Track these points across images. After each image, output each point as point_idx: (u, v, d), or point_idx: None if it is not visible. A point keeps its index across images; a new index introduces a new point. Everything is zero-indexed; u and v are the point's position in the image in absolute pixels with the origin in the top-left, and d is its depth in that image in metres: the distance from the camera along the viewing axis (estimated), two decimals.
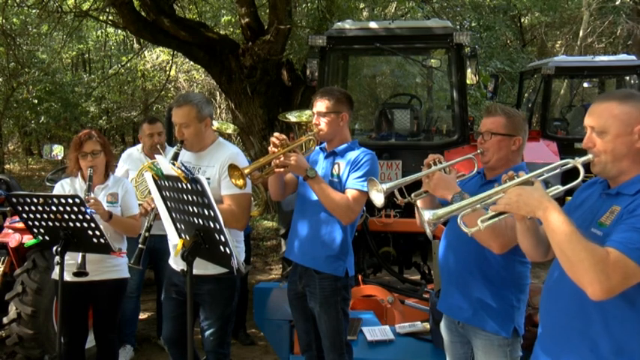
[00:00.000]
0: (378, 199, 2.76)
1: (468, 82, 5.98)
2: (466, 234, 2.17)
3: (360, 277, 5.17)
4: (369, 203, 3.05)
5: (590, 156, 2.10)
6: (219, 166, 3.43)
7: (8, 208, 5.11)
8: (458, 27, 10.47)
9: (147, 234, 3.40)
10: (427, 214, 2.26)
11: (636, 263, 1.84)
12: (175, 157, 3.44)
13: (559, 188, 2.15)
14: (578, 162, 2.12)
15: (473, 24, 13.81)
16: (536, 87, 9.30)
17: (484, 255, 2.69)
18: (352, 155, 3.36)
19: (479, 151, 2.83)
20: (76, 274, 3.59)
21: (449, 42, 5.94)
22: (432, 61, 7.01)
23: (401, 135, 6.33)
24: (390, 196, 2.80)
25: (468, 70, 5.90)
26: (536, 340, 2.26)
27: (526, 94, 10.80)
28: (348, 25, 6.34)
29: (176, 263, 3.45)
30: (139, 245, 3.35)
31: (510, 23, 16.90)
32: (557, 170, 2.20)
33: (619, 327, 1.99)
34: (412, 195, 2.82)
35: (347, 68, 7.40)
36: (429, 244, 5.61)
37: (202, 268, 3.14)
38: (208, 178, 3.33)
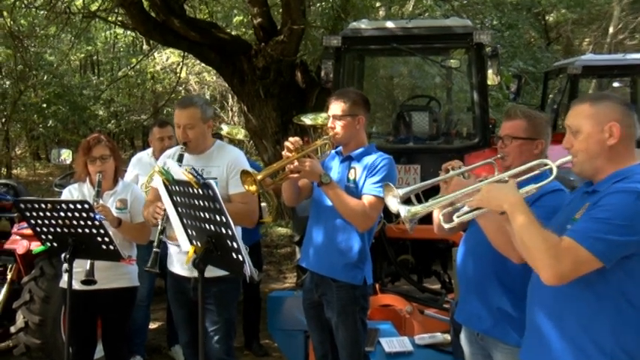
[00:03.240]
0: (394, 206, 2.77)
1: (489, 83, 5.97)
2: (486, 240, 2.23)
3: (377, 285, 5.17)
4: (387, 209, 3.06)
5: (569, 157, 2.27)
6: (225, 165, 3.53)
7: (16, 214, 5.18)
8: (478, 26, 10.46)
9: (161, 236, 3.42)
10: (402, 211, 2.44)
11: (588, 250, 2.02)
12: (181, 158, 3.50)
13: (533, 187, 2.32)
14: (555, 163, 2.29)
15: (494, 22, 13.75)
16: (562, 87, 9.23)
17: (504, 263, 2.68)
18: (369, 160, 3.37)
19: (499, 155, 2.83)
20: (84, 282, 3.62)
21: (469, 41, 5.93)
22: (452, 61, 7.00)
23: (419, 138, 6.32)
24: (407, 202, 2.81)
25: (489, 71, 5.88)
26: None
27: (551, 95, 10.73)
28: (363, 24, 6.36)
29: (188, 270, 3.48)
30: (154, 249, 3.38)
31: (534, 21, 16.79)
32: (537, 171, 2.39)
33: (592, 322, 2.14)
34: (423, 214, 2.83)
35: (363, 69, 7.42)
36: (449, 251, 5.59)
37: (207, 270, 3.17)
38: (215, 178, 3.39)
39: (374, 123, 8.56)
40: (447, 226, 2.47)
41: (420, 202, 2.82)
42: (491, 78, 5.90)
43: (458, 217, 2.41)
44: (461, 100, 8.54)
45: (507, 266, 2.69)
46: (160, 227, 3.44)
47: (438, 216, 2.90)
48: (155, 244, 3.42)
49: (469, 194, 2.37)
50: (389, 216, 5.41)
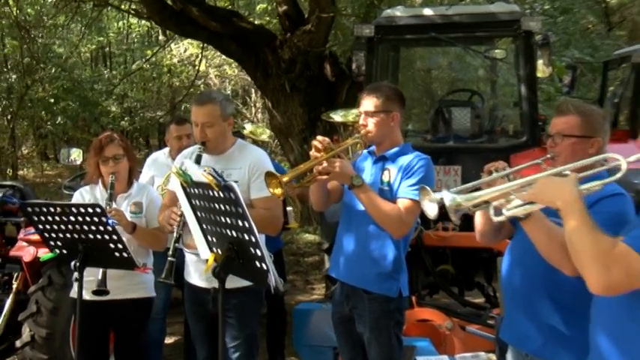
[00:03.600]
0: (431, 210, 2.76)
1: (538, 75, 5.91)
2: (534, 249, 2.21)
3: (414, 298, 5.17)
4: (423, 214, 3.07)
5: None
6: (247, 167, 3.56)
7: (22, 219, 5.26)
8: (527, 11, 10.35)
9: (177, 244, 3.46)
10: (447, 199, 2.42)
11: None
12: (198, 159, 3.53)
13: (596, 184, 2.29)
14: (629, 159, 2.23)
15: (546, 7, 13.57)
16: (625, 79, 9.08)
17: (555, 275, 2.65)
18: (404, 160, 3.39)
19: (549, 155, 2.81)
20: (95, 293, 3.66)
21: (516, 29, 5.89)
22: (497, 51, 6.95)
23: (460, 137, 6.30)
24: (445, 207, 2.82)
25: (539, 61, 5.83)
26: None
27: (611, 88, 10.55)
28: (399, 12, 6.36)
29: (207, 280, 3.52)
30: (169, 258, 3.42)
31: (593, 4, 16.51)
32: (601, 168, 2.36)
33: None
34: (470, 205, 2.83)
35: (398, 61, 7.41)
36: (493, 261, 5.56)
37: (228, 280, 3.19)
38: (236, 181, 3.41)
39: (410, 120, 8.55)
40: (495, 218, 2.47)
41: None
42: (542, 69, 5.85)
43: (508, 210, 2.40)
44: (507, 95, 8.48)
45: (559, 279, 2.64)
46: (175, 234, 3.47)
47: (480, 221, 2.90)
48: (170, 252, 3.46)
49: (523, 187, 2.36)
50: (426, 222, 5.41)
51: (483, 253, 5.68)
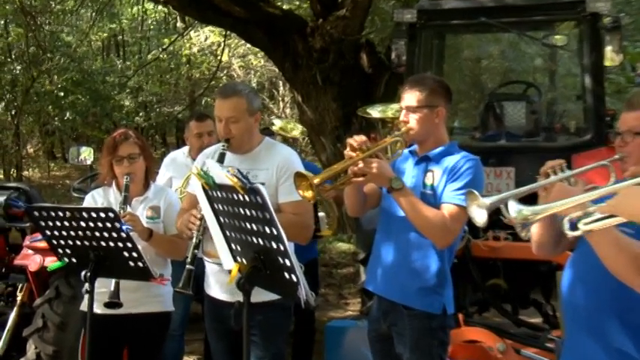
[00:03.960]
0: (480, 217, 2.74)
1: (606, 63, 5.84)
2: (601, 263, 2.17)
3: (460, 316, 5.14)
4: (471, 221, 3.04)
5: None
6: (275, 168, 3.58)
7: (28, 224, 5.34)
8: None
9: (196, 251, 3.47)
10: (512, 210, 2.37)
11: None
12: (221, 158, 3.55)
13: None
14: None
15: None
16: None
17: (626, 293, 2.61)
18: (450, 161, 3.38)
19: (617, 156, 2.77)
20: (107, 305, 3.69)
21: (580, 11, 5.81)
22: (557, 37, 6.88)
23: (514, 135, 6.25)
24: (496, 214, 2.79)
25: (608, 48, 5.75)
26: None
27: None
28: None
29: (229, 293, 3.53)
30: (187, 266, 3.43)
31: None
32: None
33: None
34: (539, 219, 2.79)
35: (443, 50, 7.38)
36: (552, 276, 5.50)
37: (253, 293, 3.20)
38: (263, 183, 3.42)
39: (457, 116, 8.49)
40: (570, 233, 2.40)
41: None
42: (610, 57, 5.77)
43: (586, 224, 2.33)
44: (568, 87, 8.38)
45: (630, 297, 2.58)
46: (194, 240, 3.48)
47: (538, 231, 2.87)
48: (188, 260, 3.47)
49: (601, 198, 2.30)
50: (475, 230, 5.38)
51: (541, 267, 5.62)
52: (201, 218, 3.36)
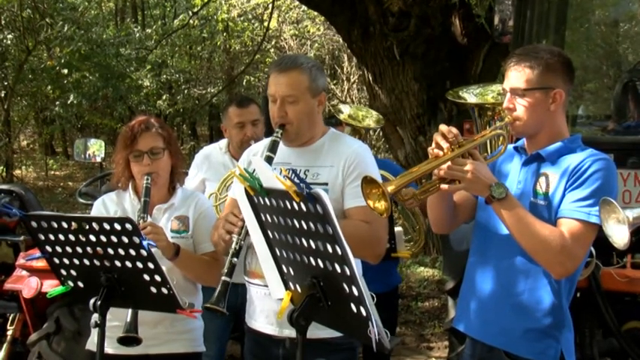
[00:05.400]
0: (620, 237, 2.74)
1: None
2: None
3: None
4: (600, 243, 3.04)
5: None
6: (342, 165, 3.59)
7: (22, 238, 5.44)
8: None
9: (235, 260, 3.48)
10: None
11: None
12: (273, 148, 3.59)
13: None
14: None
15: None
16: None
17: None
18: (571, 161, 3.36)
19: None
20: (122, 342, 3.70)
21: None
22: None
23: None
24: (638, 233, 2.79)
25: None
26: None
27: None
28: None
29: (278, 326, 3.58)
30: (223, 277, 3.45)
31: None
32: None
33: None
34: None
35: (565, 11, 7.33)
36: None
37: (310, 328, 3.23)
38: (326, 183, 3.48)
39: (581, 100, 8.42)
40: None
41: None
42: None
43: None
44: None
45: None
46: (233, 245, 3.49)
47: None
48: (225, 270, 3.49)
49: None
50: (605, 254, 5.34)
51: None
52: (244, 219, 3.33)
